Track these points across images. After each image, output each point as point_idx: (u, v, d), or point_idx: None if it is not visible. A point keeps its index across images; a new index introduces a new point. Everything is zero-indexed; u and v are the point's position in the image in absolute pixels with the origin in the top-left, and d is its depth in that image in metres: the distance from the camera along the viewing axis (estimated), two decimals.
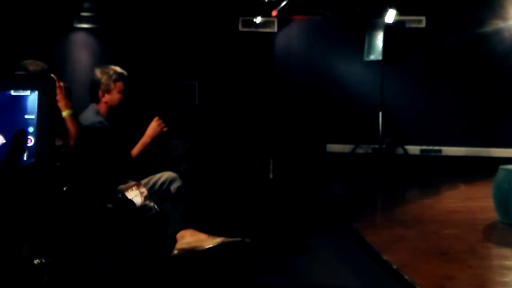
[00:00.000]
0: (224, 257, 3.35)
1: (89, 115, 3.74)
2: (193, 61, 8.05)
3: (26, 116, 1.16)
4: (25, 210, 1.07)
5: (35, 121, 1.16)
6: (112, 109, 3.81)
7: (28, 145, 1.14)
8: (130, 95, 3.92)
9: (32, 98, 1.16)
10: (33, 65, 3.06)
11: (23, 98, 1.16)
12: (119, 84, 3.79)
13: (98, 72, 3.81)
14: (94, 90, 3.78)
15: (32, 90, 1.16)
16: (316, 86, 8.13)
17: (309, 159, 8.00)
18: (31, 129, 1.15)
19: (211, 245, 3.32)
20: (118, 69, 3.84)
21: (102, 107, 3.78)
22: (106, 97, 3.77)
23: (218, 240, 3.35)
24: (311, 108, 8.12)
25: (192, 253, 3.30)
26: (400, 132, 7.72)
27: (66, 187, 2.04)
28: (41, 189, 1.09)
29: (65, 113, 3.04)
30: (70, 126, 3.07)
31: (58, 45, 7.87)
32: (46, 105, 1.16)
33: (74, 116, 3.13)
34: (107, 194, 3.04)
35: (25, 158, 1.12)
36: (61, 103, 2.99)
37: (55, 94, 1.18)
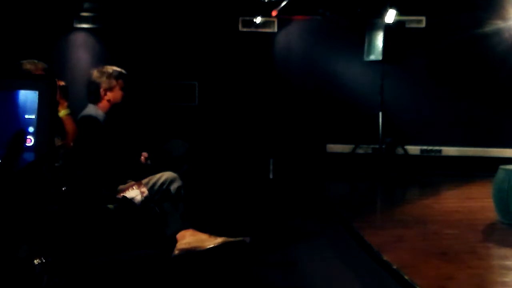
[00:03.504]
0: (225, 257, 3.34)
1: (89, 112, 3.75)
2: (193, 61, 8.05)
3: (26, 116, 1.16)
4: (23, 210, 1.07)
5: (35, 121, 1.15)
6: (113, 106, 3.81)
7: (28, 145, 1.14)
8: (130, 93, 3.93)
9: (32, 98, 1.16)
10: (30, 65, 3.05)
11: (23, 98, 1.16)
12: (121, 82, 3.82)
13: (96, 73, 3.82)
14: (94, 90, 3.78)
15: (33, 90, 1.16)
16: (316, 86, 8.13)
17: (309, 159, 8.00)
18: (31, 129, 1.15)
19: (212, 245, 3.31)
20: (116, 68, 3.87)
21: (104, 106, 3.79)
22: (109, 95, 3.79)
23: (219, 240, 3.35)
24: (311, 108, 8.12)
25: (193, 253, 3.29)
26: (400, 132, 7.72)
27: (65, 188, 2.03)
28: (39, 189, 1.08)
29: (61, 113, 3.03)
30: (68, 125, 3.06)
31: (58, 45, 7.87)
32: (47, 105, 1.16)
33: (71, 115, 3.13)
34: (107, 194, 3.04)
35: (24, 158, 1.12)
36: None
37: (55, 94, 1.18)
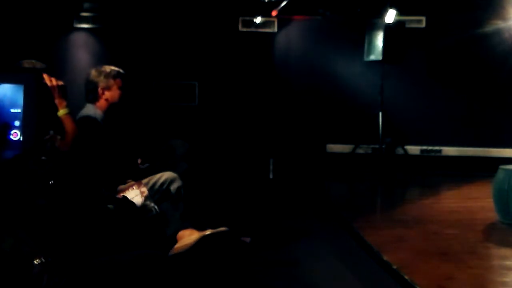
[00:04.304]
0: (212, 248, 3.34)
1: (87, 111, 3.76)
2: (193, 61, 8.05)
3: (12, 110, 1.15)
4: (8, 203, 1.07)
5: (21, 115, 1.15)
6: (111, 106, 3.82)
7: (14, 138, 1.13)
8: (128, 92, 3.93)
9: (18, 91, 1.15)
10: (29, 64, 3.05)
11: (8, 92, 1.15)
12: (119, 81, 3.83)
13: (94, 72, 3.83)
14: (93, 89, 3.79)
15: (18, 83, 1.15)
16: (316, 86, 8.13)
17: (309, 159, 7.99)
18: (17, 123, 1.15)
19: (198, 237, 3.32)
20: (114, 67, 3.87)
21: (102, 105, 3.79)
22: (107, 94, 3.80)
23: (204, 232, 3.36)
24: (311, 108, 8.12)
25: (184, 251, 3.30)
26: (400, 132, 7.71)
27: (52, 182, 2.01)
28: (25, 182, 1.08)
29: (60, 112, 3.02)
30: (67, 125, 3.05)
31: (58, 45, 7.87)
32: (32, 99, 1.15)
33: (70, 114, 3.12)
34: (107, 194, 3.04)
35: (10, 151, 1.12)
36: (55, 102, 2.96)
37: (41, 88, 1.17)
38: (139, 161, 4.05)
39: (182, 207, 3.50)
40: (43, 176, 1.91)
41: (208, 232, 3.37)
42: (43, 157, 1.82)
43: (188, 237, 3.38)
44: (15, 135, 1.15)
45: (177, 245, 3.36)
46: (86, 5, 7.91)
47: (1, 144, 1.08)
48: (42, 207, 1.82)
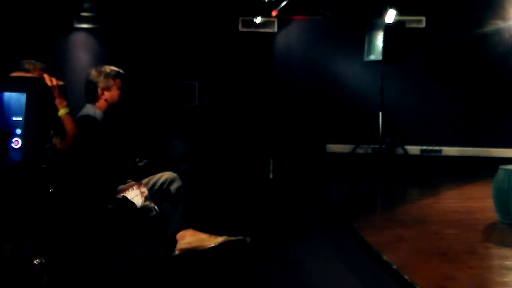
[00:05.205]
0: (226, 256, 3.35)
1: (87, 111, 3.75)
2: (193, 61, 8.05)
3: (14, 118, 1.14)
4: (8, 210, 1.07)
5: (22, 123, 1.14)
6: (111, 106, 3.82)
7: (16, 146, 1.13)
8: (128, 92, 3.93)
9: (20, 100, 1.14)
10: (29, 65, 3.04)
11: (10, 100, 1.14)
12: (118, 81, 3.82)
13: (94, 72, 3.83)
14: (92, 89, 3.79)
15: (20, 92, 1.15)
16: (316, 86, 8.13)
17: (309, 159, 8.00)
18: (18, 131, 1.14)
19: (213, 245, 3.31)
20: (113, 67, 3.87)
21: (102, 105, 3.79)
22: (106, 95, 3.79)
23: (219, 239, 3.35)
24: (311, 108, 8.12)
25: (193, 253, 3.29)
26: (400, 132, 7.72)
27: (52, 189, 2.02)
28: (25, 190, 1.08)
29: (60, 112, 3.02)
30: (67, 124, 3.05)
31: (58, 45, 7.87)
32: (34, 107, 1.14)
33: (70, 114, 3.12)
34: (107, 194, 3.04)
35: (11, 159, 1.11)
36: (56, 102, 2.96)
37: (44, 97, 1.16)
38: (137, 159, 4.05)
39: (182, 207, 3.50)
40: (43, 184, 1.91)
41: (229, 238, 3.36)
42: (43, 165, 1.82)
43: (190, 237, 3.37)
44: (17, 143, 1.14)
45: (181, 246, 3.35)
46: (86, 5, 7.91)
47: (2, 152, 1.08)
48: (41, 214, 1.82)
